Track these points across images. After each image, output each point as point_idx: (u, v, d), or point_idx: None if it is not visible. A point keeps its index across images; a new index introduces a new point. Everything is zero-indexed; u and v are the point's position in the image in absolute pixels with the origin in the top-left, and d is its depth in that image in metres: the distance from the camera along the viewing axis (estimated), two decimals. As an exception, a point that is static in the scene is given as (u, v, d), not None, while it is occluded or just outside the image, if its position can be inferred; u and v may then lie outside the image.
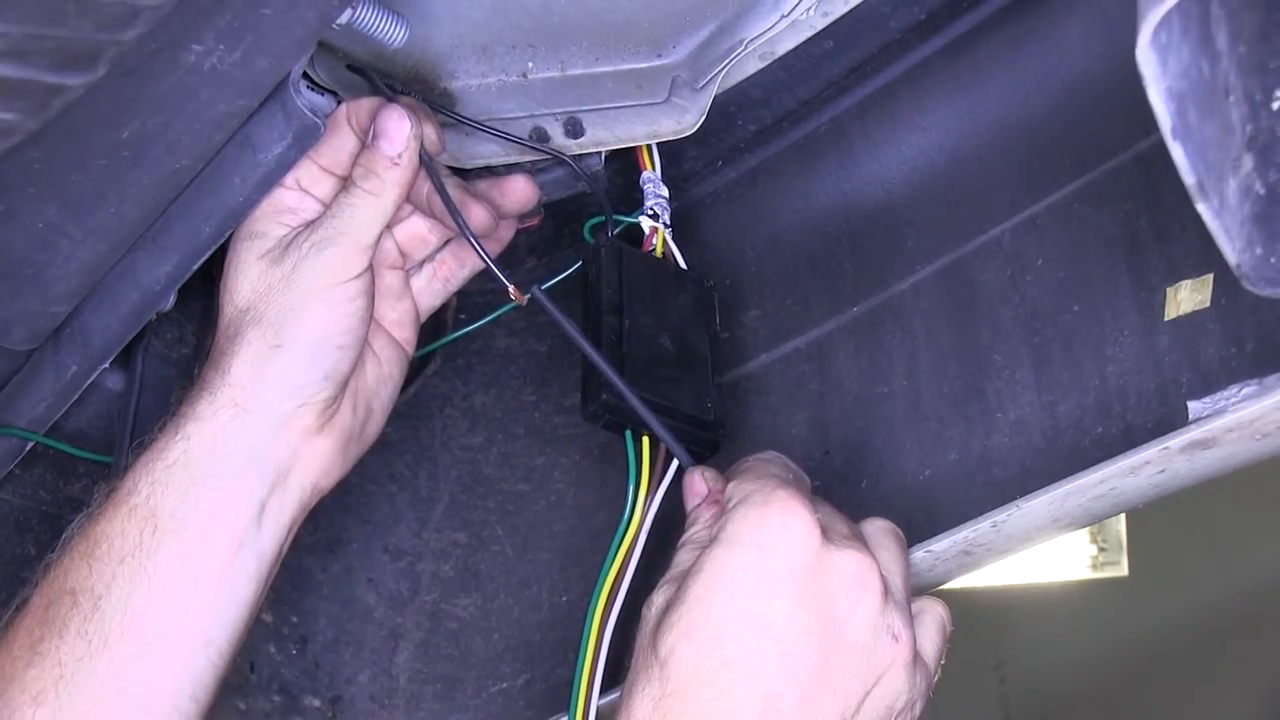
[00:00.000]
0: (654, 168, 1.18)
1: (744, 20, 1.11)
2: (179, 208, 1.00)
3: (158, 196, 0.98)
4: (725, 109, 1.23)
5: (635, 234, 1.18)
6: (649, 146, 1.18)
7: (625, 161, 1.21)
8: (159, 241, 1.01)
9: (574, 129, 1.13)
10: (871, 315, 1.15)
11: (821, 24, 1.14)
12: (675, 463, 1.07)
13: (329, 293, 1.01)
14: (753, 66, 1.18)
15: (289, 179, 1.04)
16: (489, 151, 1.13)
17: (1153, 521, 3.27)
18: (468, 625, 1.23)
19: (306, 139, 0.98)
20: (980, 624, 4.04)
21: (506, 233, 1.15)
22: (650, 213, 1.17)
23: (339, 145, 1.05)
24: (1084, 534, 3.08)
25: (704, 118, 1.14)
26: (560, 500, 1.25)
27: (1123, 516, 3.05)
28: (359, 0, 0.98)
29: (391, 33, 1.01)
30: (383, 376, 1.10)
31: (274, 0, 0.85)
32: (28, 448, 1.13)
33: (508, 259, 1.32)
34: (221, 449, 1.00)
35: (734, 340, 1.22)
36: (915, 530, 0.97)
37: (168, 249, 1.02)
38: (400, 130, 1.03)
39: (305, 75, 1.01)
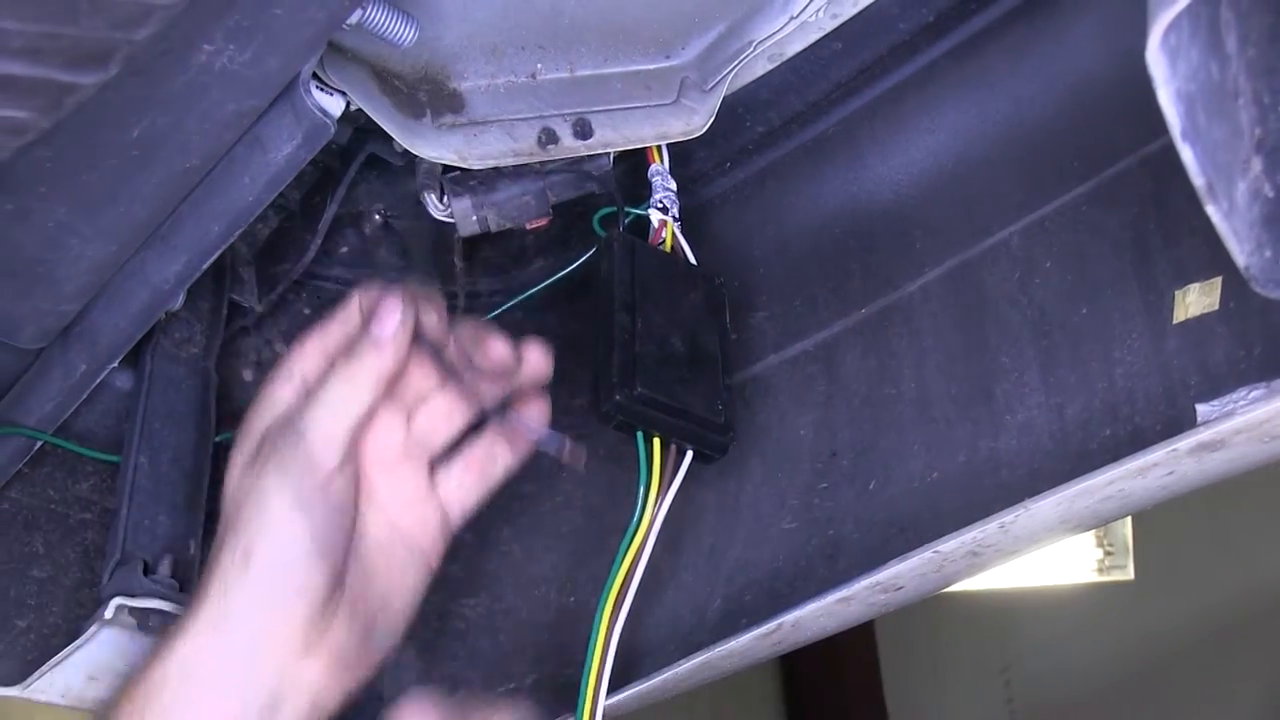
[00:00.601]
0: (662, 161, 1.19)
1: (753, 22, 1.12)
2: (188, 207, 1.00)
3: (167, 196, 0.98)
4: (734, 110, 1.23)
5: (643, 228, 1.18)
6: (658, 145, 1.18)
7: (632, 163, 1.21)
8: (168, 241, 1.01)
9: (583, 130, 1.13)
10: (880, 317, 1.15)
11: (830, 26, 1.15)
12: (686, 464, 1.08)
13: (297, 495, 0.94)
14: (761, 68, 1.18)
15: (295, 370, 1.00)
16: (496, 151, 1.13)
17: (1159, 525, 3.26)
18: (475, 626, 1.23)
19: (316, 138, 0.97)
20: (986, 627, 4.05)
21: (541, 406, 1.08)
22: (659, 205, 1.17)
23: (347, 331, 1.00)
24: (1090, 537, 3.07)
25: (712, 119, 1.14)
26: (568, 501, 1.25)
27: (1129, 520, 3.05)
28: (369, 0, 0.98)
29: (401, 33, 1.01)
30: (394, 587, 1.01)
31: (285, 0, 0.85)
32: (36, 446, 1.13)
33: (516, 258, 1.33)
34: (197, 672, 0.91)
35: (742, 341, 1.22)
36: (922, 532, 0.97)
37: (177, 248, 1.02)
38: (390, 315, 0.97)
39: (315, 75, 1.00)
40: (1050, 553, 3.09)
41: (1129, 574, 3.13)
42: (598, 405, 1.07)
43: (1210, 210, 0.69)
